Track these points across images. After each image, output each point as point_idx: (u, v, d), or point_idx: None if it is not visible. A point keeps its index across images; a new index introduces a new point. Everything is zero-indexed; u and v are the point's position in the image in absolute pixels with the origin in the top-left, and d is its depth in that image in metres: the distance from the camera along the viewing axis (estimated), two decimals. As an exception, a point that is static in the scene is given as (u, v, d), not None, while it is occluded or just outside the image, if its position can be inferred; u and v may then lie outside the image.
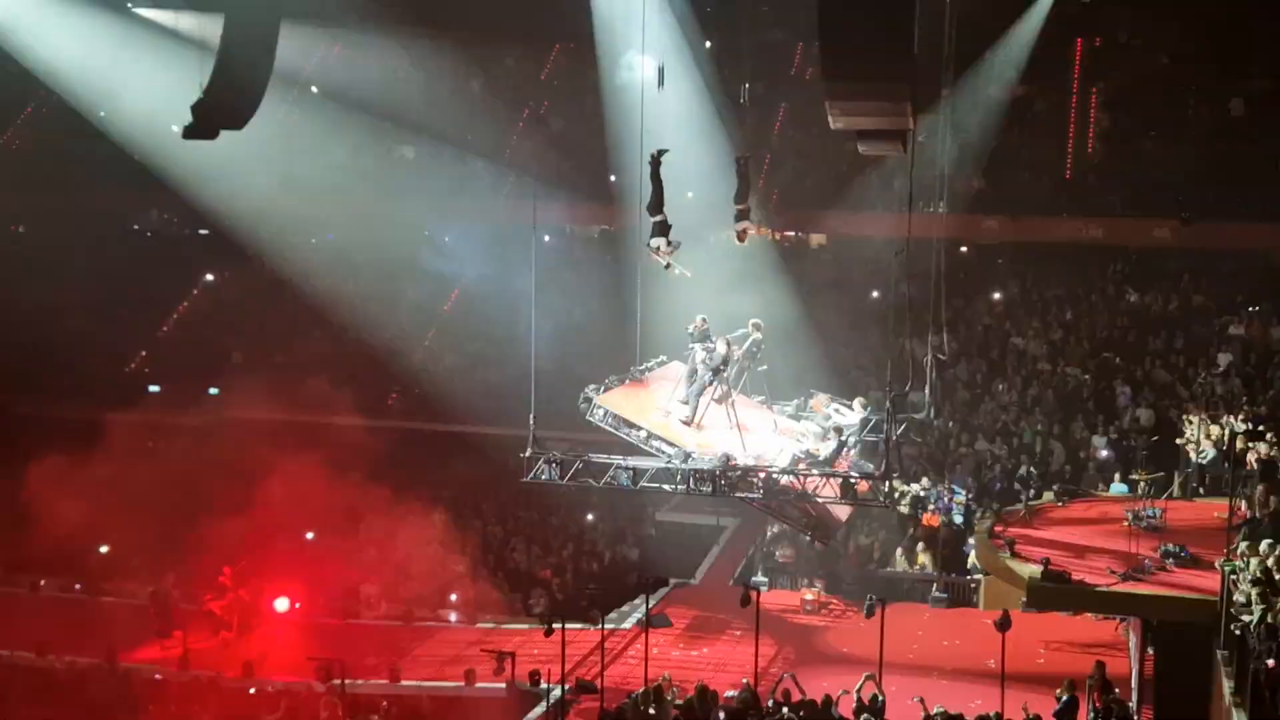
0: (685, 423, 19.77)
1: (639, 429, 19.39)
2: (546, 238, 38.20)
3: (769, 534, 29.67)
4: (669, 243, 19.53)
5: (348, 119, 37.37)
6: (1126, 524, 22.88)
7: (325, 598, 27.94)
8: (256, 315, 39.74)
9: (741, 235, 20.16)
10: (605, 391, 19.96)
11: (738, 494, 18.82)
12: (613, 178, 34.29)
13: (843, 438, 19.34)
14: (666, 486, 19.18)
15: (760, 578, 28.04)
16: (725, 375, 19.90)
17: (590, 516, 32.14)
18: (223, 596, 26.79)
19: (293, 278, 37.72)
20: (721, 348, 19.91)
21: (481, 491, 33.46)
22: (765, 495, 18.72)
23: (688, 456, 18.56)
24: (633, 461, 18.88)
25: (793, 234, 39.16)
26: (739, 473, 18.45)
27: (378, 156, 38.50)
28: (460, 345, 38.16)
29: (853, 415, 20.49)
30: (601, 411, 19.57)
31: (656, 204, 19.40)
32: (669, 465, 18.72)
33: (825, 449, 19.28)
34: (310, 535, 29.18)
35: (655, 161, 19.42)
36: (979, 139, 35.30)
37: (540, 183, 34.99)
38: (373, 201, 37.88)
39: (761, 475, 18.55)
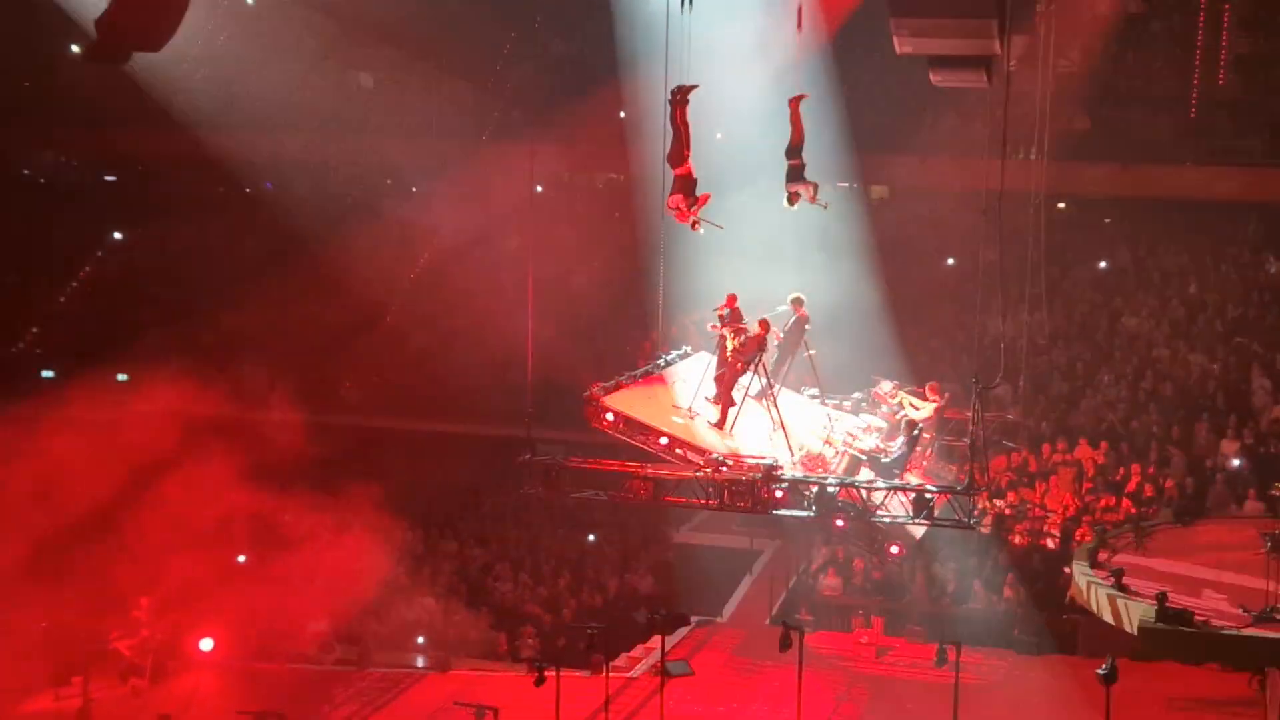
0: (716, 425, 19.78)
1: (658, 435, 19.40)
2: (539, 187, 38.22)
3: (814, 559, 29.66)
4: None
5: (291, 36, 37.36)
6: (1264, 551, 22.80)
7: (261, 637, 27.98)
8: (176, 283, 39.80)
9: (793, 198, 20.13)
10: (613, 391, 19.98)
11: (782, 510, 18.79)
12: (622, 114, 34.20)
13: (915, 433, 19.31)
14: (696, 500, 19.16)
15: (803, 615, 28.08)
16: (763, 364, 19.88)
17: (592, 537, 32.20)
18: (134, 634, 26.83)
19: (222, 236, 37.76)
20: (757, 331, 19.89)
21: (457, 505, 33.48)
22: (818, 511, 18.70)
23: (721, 464, 18.55)
24: (653, 470, 18.89)
25: (846, 185, 39.09)
26: (785, 484, 18.44)
27: (330, 84, 38.53)
28: (432, 320, 38.22)
29: (926, 406, 20.48)
30: (610, 416, 19.58)
31: (678, 154, 19.38)
32: (698, 474, 18.72)
33: (893, 448, 19.26)
34: (242, 559, 29.21)
35: (677, 101, 19.40)
36: (1083, 68, 35.16)
37: (533, 119, 35.02)
38: (322, 141, 37.92)
39: (814, 488, 18.53)
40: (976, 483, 18.16)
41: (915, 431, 19.35)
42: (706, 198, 19.48)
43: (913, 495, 18.32)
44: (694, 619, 27.65)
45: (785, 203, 20.09)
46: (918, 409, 20.22)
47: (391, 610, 28.61)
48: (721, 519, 30.64)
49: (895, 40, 15.11)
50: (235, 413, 33.08)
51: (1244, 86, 36.98)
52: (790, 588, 30.02)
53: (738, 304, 20.44)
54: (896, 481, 18.74)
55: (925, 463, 20.18)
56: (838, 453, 19.47)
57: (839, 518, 18.69)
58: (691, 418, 19.98)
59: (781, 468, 18.58)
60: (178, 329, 38.47)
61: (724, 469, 18.48)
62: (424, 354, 37.01)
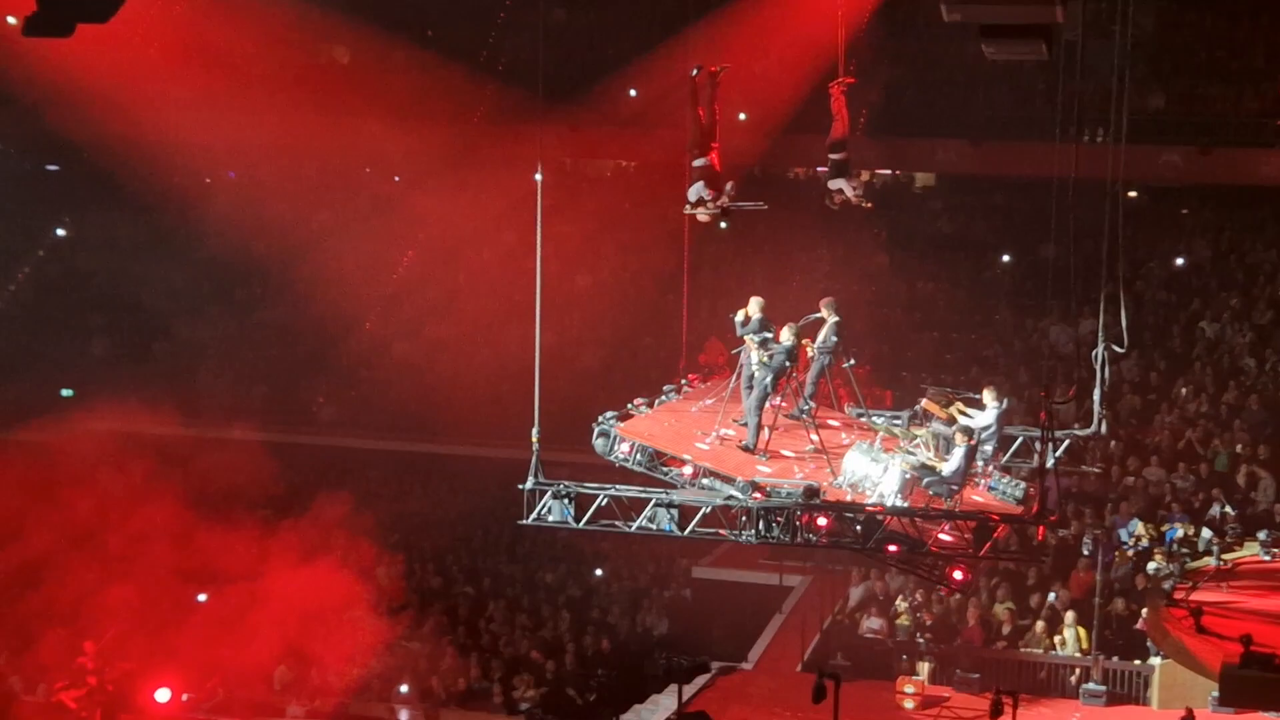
0: (747, 450, 19.83)
1: (682, 464, 19.46)
2: (537, 175, 38.26)
3: (852, 597, 29.65)
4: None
5: (258, 4, 37.41)
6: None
7: (223, 685, 28.04)
8: (128, 285, 39.91)
9: (835, 196, 20.22)
10: (628, 419, 20.04)
11: (828, 542, 18.86)
12: (633, 92, 34.26)
13: (972, 441, 19.33)
14: (727, 533, 19.16)
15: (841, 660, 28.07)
16: (795, 379, 19.96)
17: (599, 572, 32.19)
18: (80, 684, 26.88)
19: (179, 232, 37.81)
20: (787, 339, 19.95)
21: (445, 537, 33.50)
22: (865, 540, 18.73)
23: (754, 489, 18.59)
24: (679, 496, 18.95)
25: (887, 172, 39.15)
26: (829, 511, 18.47)
27: (300, 58, 38.58)
28: (416, 328, 38.30)
29: (983, 415, 20.53)
30: (626, 446, 19.65)
31: (699, 140, 19.47)
32: (730, 502, 18.75)
33: (950, 463, 19.27)
34: (202, 598, 29.27)
35: (701, 83, 19.48)
36: (1157, 37, 35.21)
37: (532, 98, 35.06)
38: (291, 123, 37.97)
39: (861, 515, 18.55)
40: (1046, 510, 18.11)
41: (972, 441, 19.37)
42: (731, 182, 19.60)
43: (974, 525, 18.34)
44: (715, 666, 27.61)
45: (827, 202, 20.16)
46: (973, 417, 20.27)
47: (370, 656, 28.60)
48: (746, 551, 30.57)
49: (943, 7, 15.08)
50: (192, 433, 33.21)
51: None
52: (825, 629, 29.98)
53: (763, 311, 20.49)
54: (954, 508, 18.75)
55: (987, 479, 20.24)
56: (886, 470, 19.47)
57: (890, 543, 18.72)
58: (720, 443, 20.05)
59: (824, 492, 18.62)
60: (129, 338, 38.61)
61: (758, 495, 18.53)
62: (407, 366, 37.06)
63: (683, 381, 21.97)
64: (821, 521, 18.41)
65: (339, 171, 39.28)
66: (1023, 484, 20.03)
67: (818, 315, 21.08)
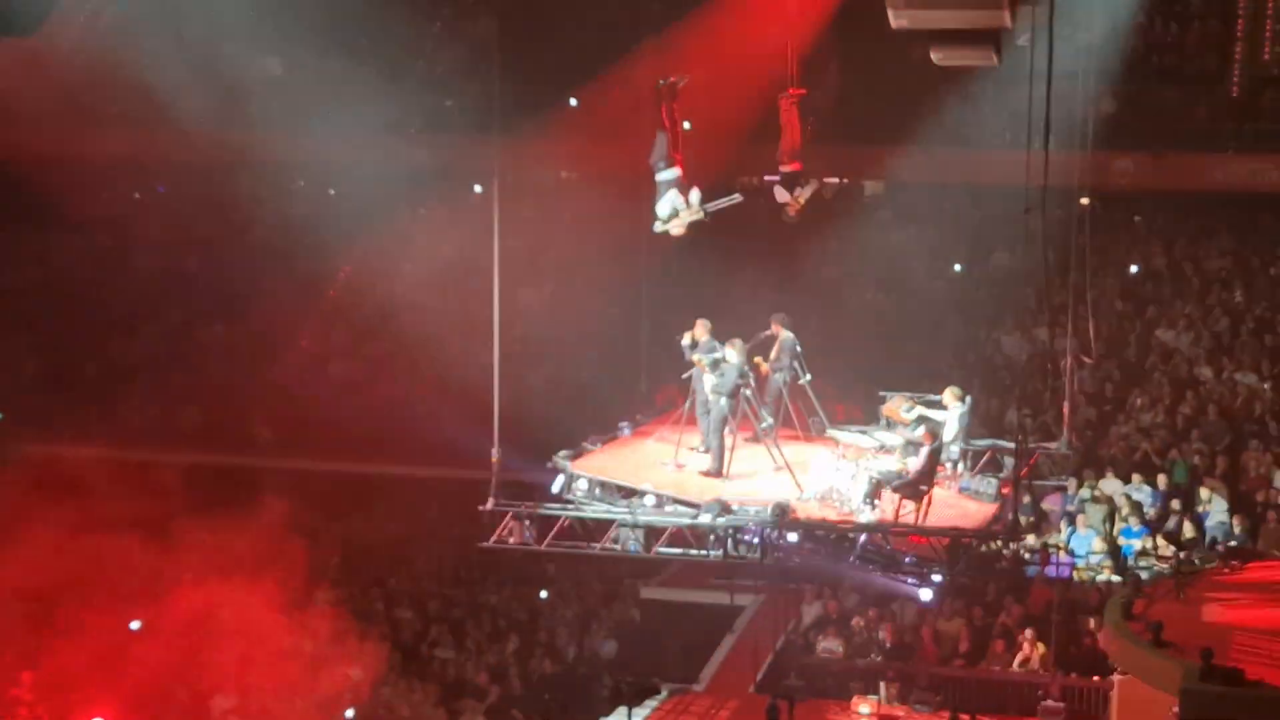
0: (711, 474, 19.87)
1: (642, 495, 19.48)
2: (477, 188, 38.27)
3: (805, 616, 29.68)
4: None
5: (185, 17, 37.22)
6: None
7: (160, 715, 27.86)
8: (55, 303, 39.64)
9: (792, 207, 20.26)
10: (581, 456, 20.02)
11: (798, 561, 18.93)
12: (573, 101, 34.23)
13: (935, 444, 19.42)
14: (697, 553, 19.16)
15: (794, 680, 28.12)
16: (751, 397, 20.02)
17: (545, 594, 32.12)
18: (13, 716, 26.68)
19: (107, 249, 37.54)
20: (736, 357, 20.00)
21: (388, 560, 33.38)
22: (837, 557, 18.80)
23: (722, 509, 18.61)
24: (645, 517, 18.94)
25: (835, 180, 39.24)
26: (799, 528, 18.52)
27: (230, 71, 38.38)
28: (355, 345, 38.16)
29: (946, 413, 20.70)
30: (585, 484, 19.63)
31: (666, 153, 19.52)
32: (697, 523, 18.75)
33: (915, 464, 19.37)
34: (136, 625, 29.11)
35: (665, 95, 19.53)
36: (1108, 41, 35.45)
37: (470, 107, 35.07)
38: (221, 136, 37.78)
39: (833, 533, 18.60)
40: (1017, 523, 18.21)
41: (936, 443, 19.47)
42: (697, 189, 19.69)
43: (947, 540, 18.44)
44: (666, 687, 27.60)
45: (785, 216, 20.20)
46: (937, 419, 20.43)
47: (311, 682, 28.47)
48: (696, 570, 30.65)
49: (890, 13, 15.18)
50: (125, 454, 32.96)
51: (1294, 59, 37.28)
52: (778, 650, 30.00)
53: (710, 333, 20.56)
54: (925, 512, 18.87)
55: (957, 481, 20.40)
56: (854, 477, 19.54)
57: (863, 560, 18.81)
58: (679, 469, 20.08)
59: (794, 510, 18.67)
60: (56, 358, 38.33)
61: (726, 514, 18.57)
62: (345, 384, 36.92)
63: (639, 416, 21.97)
64: (793, 538, 18.48)
65: (272, 184, 39.06)
66: (994, 480, 20.16)
67: (767, 333, 21.18)
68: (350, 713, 28.21)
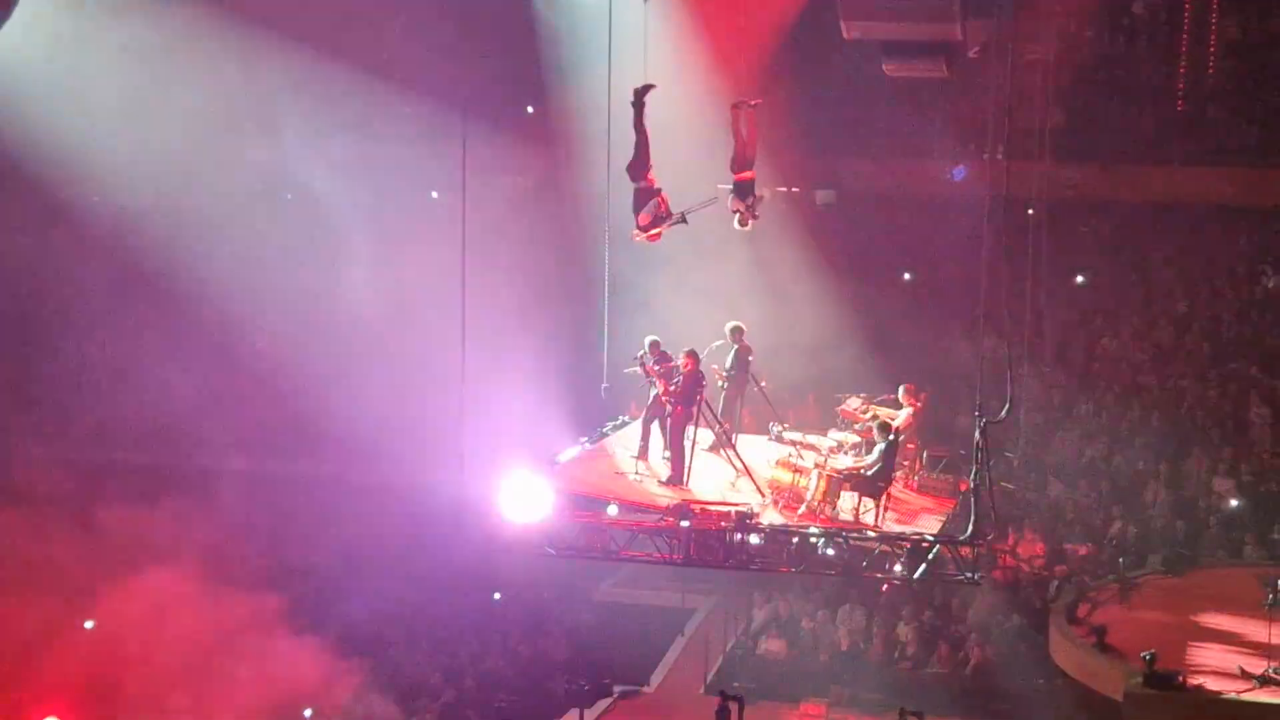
0: (673, 482, 19.96)
1: (605, 504, 19.52)
2: (434, 194, 38.23)
3: (755, 618, 29.81)
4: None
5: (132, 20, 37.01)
6: (1266, 604, 23.19)
7: (116, 713, 27.77)
8: (14, 305, 39.45)
9: (745, 218, 20.35)
10: (545, 469, 20.05)
11: (761, 565, 19.02)
12: (529, 109, 34.29)
13: (890, 438, 19.58)
14: (658, 555, 19.17)
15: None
16: (706, 402, 20.11)
17: (498, 595, 32.12)
18: (-36, 715, 26.59)
19: (67, 252, 37.50)
20: (689, 365, 20.12)
21: (341, 560, 33.32)
22: (799, 561, 18.87)
23: (687, 513, 18.70)
24: (611, 521, 18.99)
25: (785, 189, 39.33)
26: (763, 534, 18.60)
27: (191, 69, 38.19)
28: (308, 347, 38.03)
29: (902, 412, 20.89)
30: (547, 498, 19.62)
31: (640, 166, 19.63)
32: (661, 525, 18.81)
33: (871, 460, 19.50)
34: (90, 624, 29.03)
35: (637, 104, 19.64)
36: (1056, 55, 35.67)
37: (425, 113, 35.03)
38: (177, 141, 37.58)
39: (794, 540, 18.69)
40: (982, 531, 18.29)
41: (891, 437, 19.61)
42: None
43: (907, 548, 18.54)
44: (618, 689, 27.71)
45: (736, 224, 20.30)
46: (893, 417, 20.59)
47: (268, 682, 28.40)
48: (648, 573, 30.78)
49: (843, 24, 15.34)
50: (79, 456, 32.89)
51: (1238, 75, 37.51)
52: (728, 651, 30.16)
53: (656, 348, 20.68)
54: (884, 511, 19.01)
55: (916, 476, 20.57)
56: (813, 474, 19.61)
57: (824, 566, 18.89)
58: (643, 479, 20.16)
59: (757, 514, 18.77)
60: (14, 360, 38.14)
61: (690, 517, 18.62)
62: (301, 386, 36.81)
63: (602, 428, 22.01)
64: (755, 540, 18.56)
65: (227, 190, 38.88)
66: (952, 476, 20.34)
67: (721, 343, 21.33)
68: (308, 713, 28.19)
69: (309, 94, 37.24)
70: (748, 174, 20.07)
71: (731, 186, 20.21)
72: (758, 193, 20.31)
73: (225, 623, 28.62)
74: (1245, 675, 21.40)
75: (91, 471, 32.37)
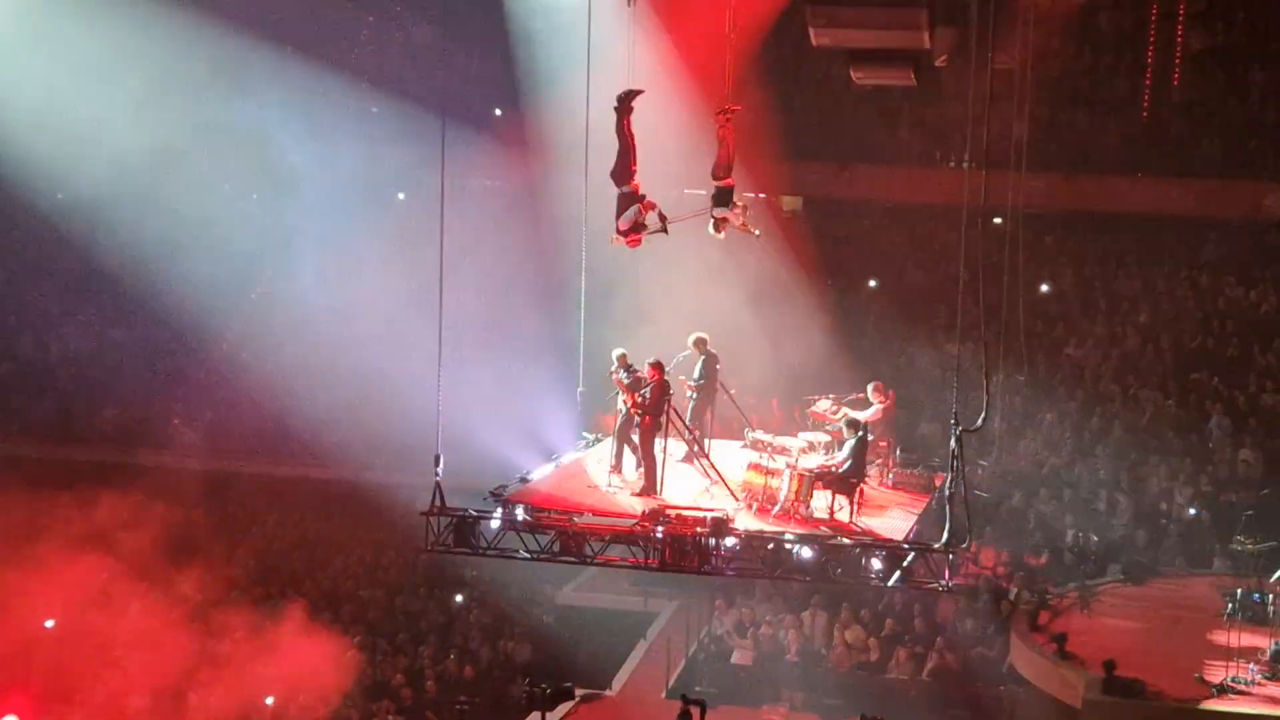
0: (645, 493, 19.92)
1: (578, 516, 19.45)
2: (401, 195, 38.16)
3: (718, 623, 29.78)
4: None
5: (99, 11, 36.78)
6: (1224, 614, 23.26)
7: (77, 713, 27.61)
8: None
9: (720, 224, 20.33)
10: (515, 491, 19.96)
11: (735, 570, 18.98)
12: (498, 111, 34.21)
13: (860, 434, 19.60)
14: (632, 560, 19.06)
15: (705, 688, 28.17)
16: (674, 410, 20.09)
17: (459, 598, 32.05)
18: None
19: (29, 248, 37.27)
20: (655, 376, 20.11)
21: (302, 560, 33.23)
22: (774, 567, 18.82)
23: (661, 518, 18.64)
24: (584, 521, 18.92)
25: (751, 195, 39.31)
26: (739, 539, 18.55)
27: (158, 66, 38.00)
28: (275, 349, 37.92)
29: (871, 409, 20.93)
30: (520, 511, 19.52)
31: (624, 169, 19.60)
32: (637, 531, 18.73)
33: (842, 457, 19.51)
34: (50, 624, 28.88)
35: (623, 108, 19.60)
36: (1022, 66, 35.74)
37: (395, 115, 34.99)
38: (150, 138, 37.44)
39: (769, 546, 18.64)
40: (958, 535, 18.28)
41: (860, 433, 19.63)
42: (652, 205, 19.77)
43: (884, 554, 18.51)
44: (580, 693, 27.59)
45: (711, 230, 20.28)
46: (862, 413, 20.65)
47: (227, 683, 28.28)
48: (611, 576, 30.74)
49: (811, 32, 15.32)
50: (39, 454, 32.77)
51: (1201, 89, 37.66)
52: (690, 656, 30.10)
53: (623, 360, 20.67)
54: (858, 510, 19.02)
55: (891, 474, 20.62)
56: (785, 474, 19.58)
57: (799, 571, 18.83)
58: (617, 491, 20.11)
59: (732, 518, 18.75)
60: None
61: (665, 523, 18.56)
62: (265, 387, 36.67)
63: (579, 442, 21.95)
64: (730, 542, 18.51)
65: (197, 187, 38.71)
66: (925, 471, 20.39)
67: (689, 353, 21.33)
68: (270, 700, 28.08)
69: (277, 93, 37.19)
70: (728, 180, 20.09)
71: (712, 193, 20.22)
72: (740, 201, 20.33)
73: (187, 625, 28.52)
74: (1204, 684, 21.45)
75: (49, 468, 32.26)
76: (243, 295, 39.00)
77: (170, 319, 37.26)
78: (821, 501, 19.39)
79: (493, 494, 19.39)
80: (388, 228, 34.68)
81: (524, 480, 20.47)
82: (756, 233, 20.62)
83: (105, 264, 37.11)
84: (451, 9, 29.70)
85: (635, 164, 19.62)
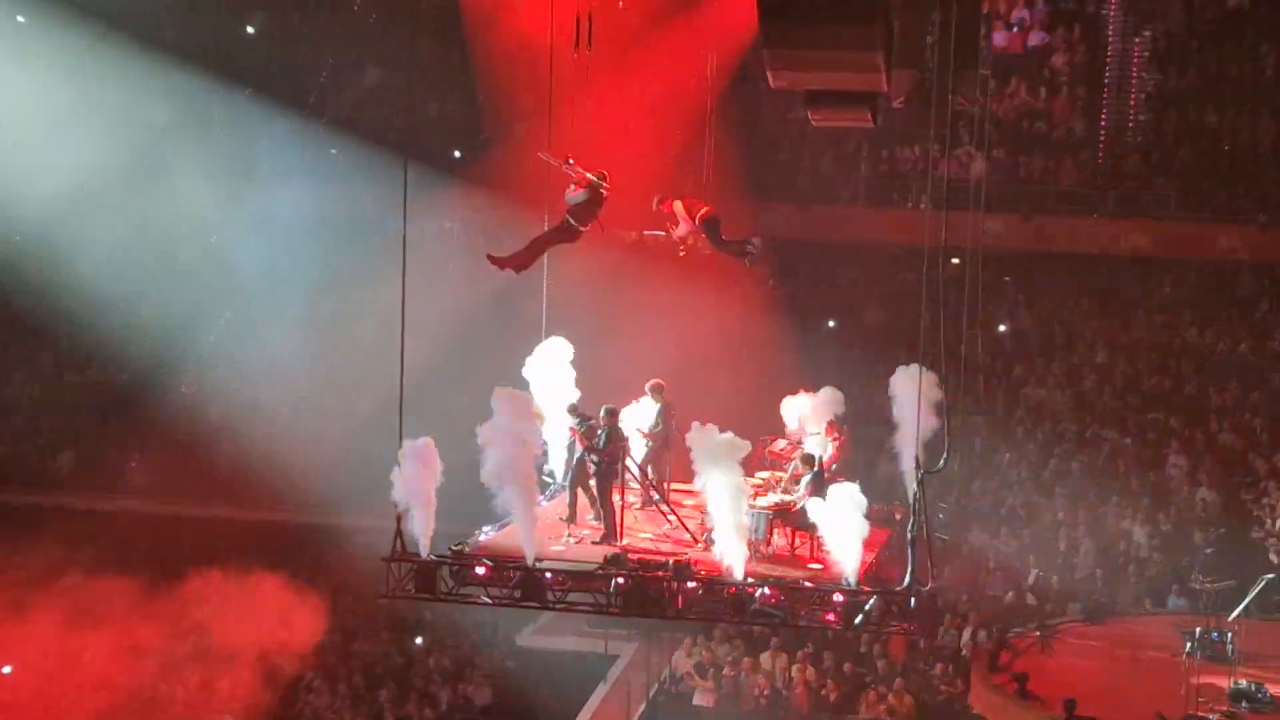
0: (604, 542, 19.83)
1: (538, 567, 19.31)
2: (364, 235, 38.06)
3: (679, 664, 29.70)
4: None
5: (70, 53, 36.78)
6: (1183, 654, 23.26)
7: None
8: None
9: (683, 243, 20.53)
10: (476, 543, 19.82)
11: (696, 615, 18.89)
12: (457, 154, 34.21)
13: (816, 469, 19.55)
14: (592, 605, 18.96)
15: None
16: (628, 457, 20.07)
17: (419, 640, 31.89)
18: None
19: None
20: (610, 423, 20.07)
21: (262, 604, 33.02)
22: (738, 613, 18.71)
23: (623, 563, 18.52)
24: (546, 565, 18.74)
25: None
26: (701, 583, 18.44)
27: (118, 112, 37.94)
28: (232, 391, 37.79)
29: (828, 446, 20.94)
30: (480, 571, 19.34)
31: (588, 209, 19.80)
32: (599, 574, 18.60)
33: (800, 494, 19.45)
34: (7, 669, 28.70)
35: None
36: (979, 106, 35.88)
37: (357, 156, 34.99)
38: (107, 177, 37.31)
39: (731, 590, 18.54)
40: (918, 580, 18.17)
41: (817, 469, 19.60)
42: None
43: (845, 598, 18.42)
44: (540, 735, 27.52)
45: (680, 252, 20.53)
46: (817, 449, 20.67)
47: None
48: (571, 619, 30.56)
49: (769, 74, 15.29)
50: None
51: (1158, 128, 37.83)
52: (650, 699, 29.99)
53: (576, 409, 20.65)
54: (826, 582, 18.86)
55: None
56: (750, 518, 19.51)
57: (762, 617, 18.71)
58: (576, 542, 20.01)
59: (697, 561, 18.65)
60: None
61: (627, 569, 18.45)
62: (223, 429, 36.52)
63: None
64: (692, 585, 18.39)
65: (155, 229, 38.58)
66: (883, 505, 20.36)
67: (645, 399, 21.30)
68: (227, 720, 27.97)
69: (237, 133, 37.16)
70: (706, 209, 20.37)
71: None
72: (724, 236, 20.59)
73: (145, 670, 28.34)
74: (1163, 722, 21.45)
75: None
76: (202, 338, 38.86)
77: (128, 362, 37.16)
78: (781, 540, 19.35)
79: (452, 550, 19.21)
80: (350, 268, 34.61)
81: (480, 535, 20.29)
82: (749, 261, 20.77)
83: (62, 307, 36.96)
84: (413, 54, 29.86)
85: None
